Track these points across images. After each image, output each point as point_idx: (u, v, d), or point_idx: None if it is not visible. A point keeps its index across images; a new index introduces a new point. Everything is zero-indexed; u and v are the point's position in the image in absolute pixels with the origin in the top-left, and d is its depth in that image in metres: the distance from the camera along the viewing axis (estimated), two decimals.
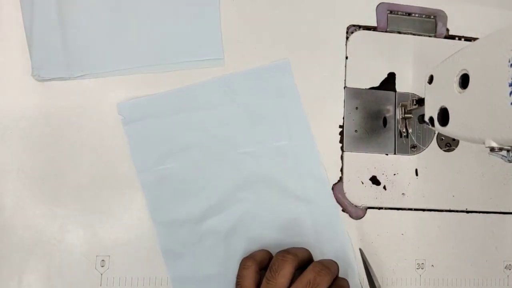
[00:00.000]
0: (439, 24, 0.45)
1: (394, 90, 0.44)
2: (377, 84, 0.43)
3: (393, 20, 0.44)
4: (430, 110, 0.36)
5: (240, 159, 0.40)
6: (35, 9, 0.37)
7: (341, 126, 0.42)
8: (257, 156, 0.40)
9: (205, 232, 0.38)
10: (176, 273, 0.38)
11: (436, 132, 0.44)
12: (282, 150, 0.40)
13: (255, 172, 0.40)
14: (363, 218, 0.42)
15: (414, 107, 0.40)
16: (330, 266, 0.34)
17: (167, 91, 0.39)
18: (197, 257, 0.38)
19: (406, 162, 0.43)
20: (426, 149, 0.44)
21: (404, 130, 0.43)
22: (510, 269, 0.44)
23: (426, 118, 0.36)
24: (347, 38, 0.43)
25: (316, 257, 0.38)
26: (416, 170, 0.43)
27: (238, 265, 0.36)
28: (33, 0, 0.37)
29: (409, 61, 0.44)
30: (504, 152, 0.29)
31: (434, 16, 0.45)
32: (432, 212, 0.43)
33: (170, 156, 0.39)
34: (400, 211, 0.42)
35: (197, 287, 0.38)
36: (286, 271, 0.33)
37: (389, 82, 0.43)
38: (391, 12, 0.44)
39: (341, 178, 0.42)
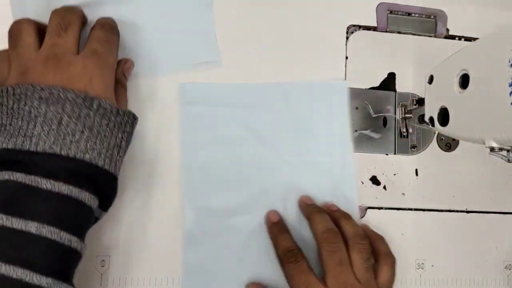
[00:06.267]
0: (439, 24, 0.45)
1: (394, 90, 0.44)
2: (377, 84, 0.43)
3: (393, 20, 0.44)
4: (430, 110, 0.36)
5: (279, 165, 0.40)
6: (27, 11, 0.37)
7: None
8: (296, 166, 0.40)
9: (229, 226, 0.38)
10: (191, 259, 0.38)
11: (436, 132, 0.44)
12: (321, 166, 0.40)
13: (291, 181, 0.40)
14: (363, 218, 0.41)
15: (414, 107, 0.40)
16: None
17: (229, 83, 0.40)
18: (215, 249, 0.38)
19: (406, 162, 0.43)
20: (426, 149, 0.44)
21: (404, 130, 0.43)
22: (510, 269, 0.44)
23: (426, 118, 0.36)
24: (347, 38, 0.43)
25: None
26: (416, 170, 0.43)
27: (251, 267, 0.37)
28: (25, 1, 0.37)
29: (409, 61, 0.44)
30: (504, 152, 0.29)
31: (434, 16, 0.45)
32: (432, 212, 0.43)
33: (216, 145, 0.39)
34: (400, 211, 0.42)
35: (205, 278, 0.38)
36: (27, 30, 0.31)
37: (389, 82, 0.43)
38: (391, 12, 0.44)
39: None
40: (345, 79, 0.43)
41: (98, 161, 0.28)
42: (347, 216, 0.38)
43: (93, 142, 0.28)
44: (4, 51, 0.32)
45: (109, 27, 0.34)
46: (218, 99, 0.40)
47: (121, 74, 0.36)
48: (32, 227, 0.26)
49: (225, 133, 0.39)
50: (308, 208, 0.39)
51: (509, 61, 0.26)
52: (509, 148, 0.28)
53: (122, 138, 0.31)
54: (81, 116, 0.28)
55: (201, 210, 0.38)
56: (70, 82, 0.29)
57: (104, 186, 0.29)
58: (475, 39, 0.45)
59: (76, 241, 0.28)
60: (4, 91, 0.28)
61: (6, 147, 0.27)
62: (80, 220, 0.29)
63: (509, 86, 0.26)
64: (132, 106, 0.37)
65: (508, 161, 0.29)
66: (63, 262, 0.27)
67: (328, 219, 0.37)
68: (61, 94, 0.28)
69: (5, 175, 0.26)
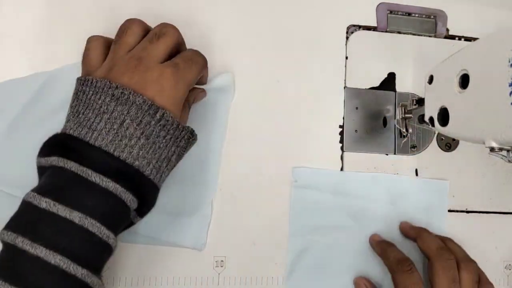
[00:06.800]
0: (439, 24, 0.45)
1: (394, 90, 0.44)
2: (377, 84, 0.43)
3: (393, 20, 0.44)
4: (430, 110, 0.36)
5: (377, 258, 0.40)
6: None
7: (341, 126, 0.42)
8: None
9: None
10: None
11: (436, 132, 0.44)
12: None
13: (387, 273, 0.38)
14: None
15: (414, 107, 0.40)
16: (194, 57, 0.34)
17: (337, 171, 0.41)
18: None
19: (406, 162, 0.43)
20: (426, 149, 0.44)
21: (404, 130, 0.43)
22: (510, 269, 0.44)
23: (426, 118, 0.36)
24: (347, 38, 0.43)
25: None
26: (416, 170, 0.43)
27: None
28: None
29: (409, 61, 0.44)
30: (504, 152, 0.29)
31: (434, 16, 0.45)
32: None
33: (321, 230, 0.40)
34: None
35: None
36: (134, 30, 0.32)
37: (389, 82, 0.43)
38: (391, 12, 0.44)
39: None
40: (345, 79, 0.43)
41: (145, 170, 0.29)
42: (451, 240, 0.39)
43: (145, 151, 0.29)
44: (103, 40, 0.33)
45: (199, 52, 0.34)
46: (328, 185, 0.41)
47: (192, 96, 0.36)
48: (76, 217, 0.26)
49: (330, 218, 0.41)
50: (416, 229, 0.40)
51: (509, 61, 0.26)
52: (509, 148, 0.28)
53: (174, 152, 0.31)
54: (142, 123, 0.29)
55: None
56: (143, 87, 0.29)
57: (146, 194, 0.30)
58: (475, 39, 0.45)
59: (113, 238, 0.28)
60: (89, 81, 0.30)
61: (72, 133, 0.29)
62: (119, 219, 0.29)
63: (509, 86, 0.26)
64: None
65: (508, 161, 0.29)
66: (98, 255, 0.28)
67: (438, 239, 0.38)
68: (130, 96, 0.29)
69: (60, 162, 0.28)
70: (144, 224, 0.37)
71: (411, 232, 0.40)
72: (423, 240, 0.38)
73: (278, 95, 0.41)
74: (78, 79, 0.31)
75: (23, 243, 0.25)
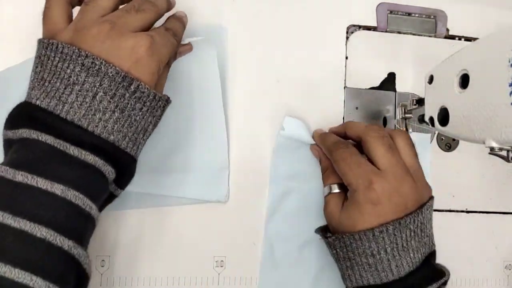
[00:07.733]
0: (439, 24, 0.45)
1: (394, 90, 0.44)
2: (377, 84, 0.43)
3: (393, 20, 0.44)
4: (430, 110, 0.36)
5: None
6: None
7: None
8: None
9: (302, 258, 0.40)
10: (266, 281, 0.39)
11: (436, 132, 0.44)
12: None
13: None
14: None
15: (414, 107, 0.40)
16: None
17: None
18: (287, 277, 0.40)
19: None
20: None
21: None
22: (510, 269, 0.44)
23: (426, 118, 0.36)
24: (347, 38, 0.43)
25: None
26: None
27: None
28: None
29: (409, 61, 0.44)
30: (504, 152, 0.29)
31: (434, 16, 0.45)
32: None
33: (301, 177, 0.41)
34: None
35: None
36: None
37: (389, 82, 0.43)
38: (391, 12, 0.44)
39: None
40: (345, 79, 0.43)
41: (121, 144, 0.28)
42: None
43: (121, 125, 0.28)
44: None
45: (173, 32, 0.32)
46: (310, 138, 0.41)
47: (174, 54, 0.35)
48: (57, 189, 0.25)
49: (312, 167, 0.41)
50: (341, 125, 0.39)
51: (509, 61, 0.26)
52: (509, 148, 0.28)
53: (150, 122, 0.30)
54: (116, 95, 0.27)
55: (278, 237, 0.40)
56: (116, 54, 0.28)
57: (123, 166, 0.29)
58: (475, 39, 0.45)
59: (96, 210, 0.28)
60: (54, 45, 0.27)
61: (39, 104, 0.27)
62: (100, 191, 0.29)
63: (509, 86, 0.26)
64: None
65: (508, 161, 0.29)
66: (83, 227, 0.27)
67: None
68: (102, 67, 0.27)
69: (33, 135, 0.26)
70: (166, 185, 0.38)
71: (338, 129, 0.39)
72: (350, 127, 0.37)
73: (278, 95, 0.41)
74: (41, 41, 0.28)
75: (3, 217, 0.24)
